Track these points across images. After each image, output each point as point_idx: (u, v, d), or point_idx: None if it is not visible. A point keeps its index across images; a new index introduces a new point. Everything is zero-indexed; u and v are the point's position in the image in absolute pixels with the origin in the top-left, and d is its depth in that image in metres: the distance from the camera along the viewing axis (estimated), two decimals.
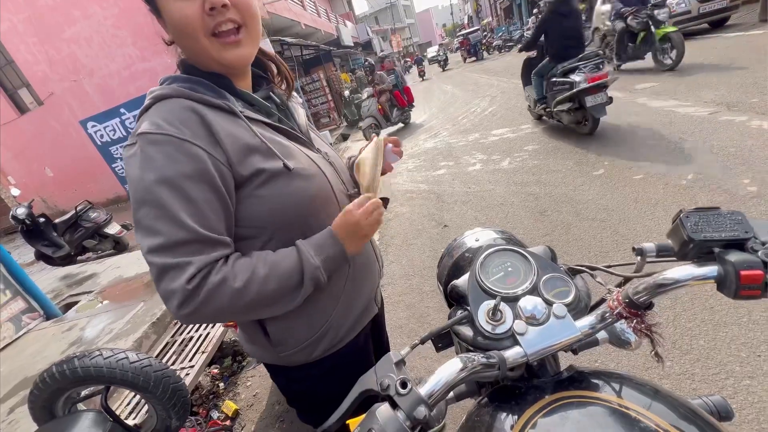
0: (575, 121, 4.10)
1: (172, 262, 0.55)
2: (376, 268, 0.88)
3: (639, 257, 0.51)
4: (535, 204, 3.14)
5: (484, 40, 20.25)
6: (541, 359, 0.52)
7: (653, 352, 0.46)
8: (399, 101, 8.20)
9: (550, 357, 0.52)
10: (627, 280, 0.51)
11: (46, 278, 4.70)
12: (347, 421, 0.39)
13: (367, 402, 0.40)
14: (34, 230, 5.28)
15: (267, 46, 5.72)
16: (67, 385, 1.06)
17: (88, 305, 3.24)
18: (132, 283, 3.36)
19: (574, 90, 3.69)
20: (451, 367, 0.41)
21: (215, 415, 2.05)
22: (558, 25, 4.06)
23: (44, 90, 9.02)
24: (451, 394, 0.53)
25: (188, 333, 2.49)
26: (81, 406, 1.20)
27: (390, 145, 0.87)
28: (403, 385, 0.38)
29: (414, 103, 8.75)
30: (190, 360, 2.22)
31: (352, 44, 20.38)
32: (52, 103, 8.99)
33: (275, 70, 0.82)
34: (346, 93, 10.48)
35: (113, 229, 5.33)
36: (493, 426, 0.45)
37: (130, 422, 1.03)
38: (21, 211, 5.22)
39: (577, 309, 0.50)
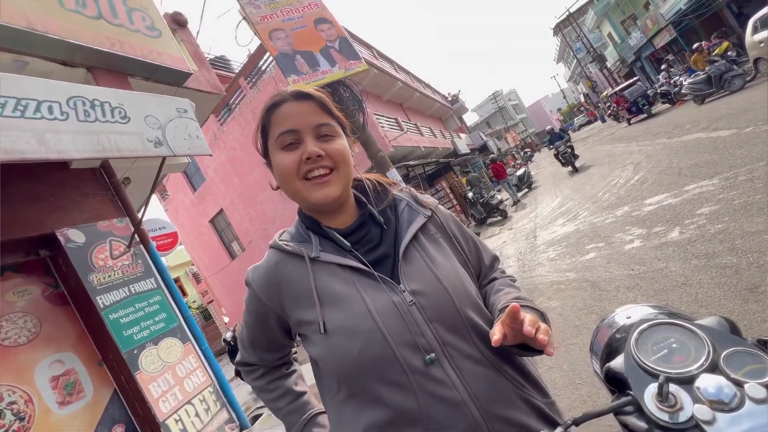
0: None
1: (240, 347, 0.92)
2: None
3: None
4: (736, 279, 2.41)
5: (650, 90, 14.21)
6: None
7: None
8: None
9: None
10: None
11: (239, 393, 5.63)
12: None
13: None
14: (235, 350, 6.62)
15: (393, 173, 6.69)
16: None
17: (268, 419, 3.70)
18: None
19: None
20: None
21: None
22: None
23: (246, 239, 12.34)
24: None
25: None
26: None
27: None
28: None
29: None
30: None
31: (469, 151, 21.97)
32: (251, 248, 12.07)
33: (372, 188, 0.80)
34: (469, 195, 10.90)
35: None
36: None
37: None
38: (228, 335, 6.68)
39: None
